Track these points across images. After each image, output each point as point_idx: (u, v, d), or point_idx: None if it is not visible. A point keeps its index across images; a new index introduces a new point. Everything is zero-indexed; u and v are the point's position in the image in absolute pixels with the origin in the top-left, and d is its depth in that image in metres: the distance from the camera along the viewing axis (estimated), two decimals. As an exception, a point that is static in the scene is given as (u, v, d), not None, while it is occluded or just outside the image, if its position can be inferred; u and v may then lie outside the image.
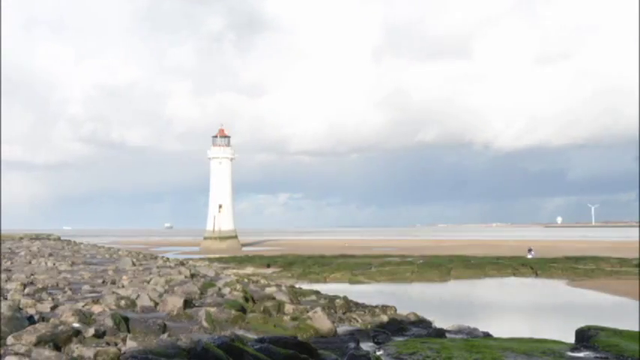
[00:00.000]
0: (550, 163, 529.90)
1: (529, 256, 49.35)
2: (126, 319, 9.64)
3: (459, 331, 13.94)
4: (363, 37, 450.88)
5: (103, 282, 17.10)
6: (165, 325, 9.86)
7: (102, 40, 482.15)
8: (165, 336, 9.02)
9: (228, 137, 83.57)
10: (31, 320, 9.04)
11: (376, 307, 18.52)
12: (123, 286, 15.48)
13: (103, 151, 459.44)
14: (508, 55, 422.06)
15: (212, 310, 11.30)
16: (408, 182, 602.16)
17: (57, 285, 15.82)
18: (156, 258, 36.68)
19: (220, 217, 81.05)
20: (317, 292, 20.81)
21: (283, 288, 18.13)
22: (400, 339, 11.57)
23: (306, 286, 28.58)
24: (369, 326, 13.30)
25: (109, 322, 9.22)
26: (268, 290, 16.33)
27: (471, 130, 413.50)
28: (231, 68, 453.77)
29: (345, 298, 18.87)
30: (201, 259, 48.63)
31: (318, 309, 12.16)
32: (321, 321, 11.36)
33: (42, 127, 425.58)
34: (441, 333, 13.22)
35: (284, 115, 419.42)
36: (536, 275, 37.63)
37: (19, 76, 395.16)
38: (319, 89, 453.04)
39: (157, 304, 12.08)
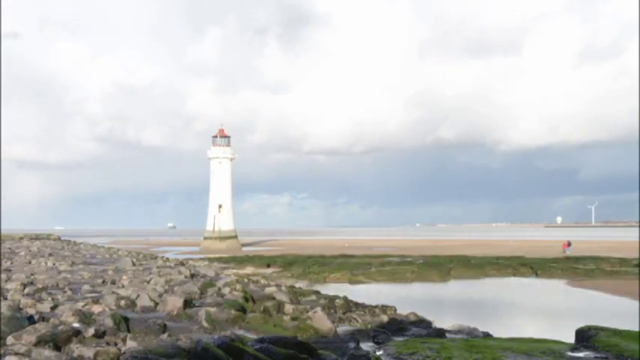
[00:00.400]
0: (564, 162, 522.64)
1: None
2: (126, 319, 9.64)
3: (459, 331, 13.94)
4: (394, 35, 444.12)
5: (103, 282, 17.11)
6: (165, 325, 9.87)
7: (122, 38, 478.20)
8: (165, 336, 9.03)
9: (228, 137, 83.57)
10: (31, 320, 9.04)
11: (376, 307, 18.52)
12: (123, 286, 15.49)
13: (117, 151, 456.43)
14: (550, 54, 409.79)
15: (212, 310, 11.30)
16: (419, 182, 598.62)
17: (57, 285, 15.83)
18: (156, 258, 36.72)
19: (220, 217, 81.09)
20: (317, 292, 20.80)
21: (283, 288, 18.14)
22: (400, 339, 11.57)
23: (306, 286, 28.59)
24: (369, 326, 13.29)
25: (109, 322, 9.22)
26: (268, 290, 16.34)
27: (490, 128, 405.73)
28: (255, 66, 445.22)
29: (345, 298, 18.85)
30: (201, 259, 48.63)
31: (318, 309, 12.16)
32: (321, 321, 11.36)
33: (54, 127, 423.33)
34: (441, 333, 13.22)
35: (306, 114, 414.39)
36: (536, 275, 37.62)
37: (34, 75, 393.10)
38: (345, 87, 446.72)
39: (157, 304, 12.09)
